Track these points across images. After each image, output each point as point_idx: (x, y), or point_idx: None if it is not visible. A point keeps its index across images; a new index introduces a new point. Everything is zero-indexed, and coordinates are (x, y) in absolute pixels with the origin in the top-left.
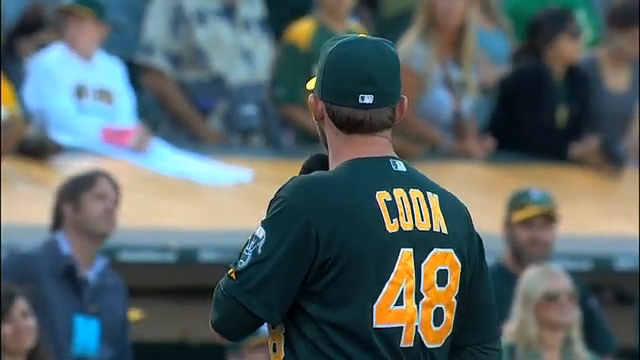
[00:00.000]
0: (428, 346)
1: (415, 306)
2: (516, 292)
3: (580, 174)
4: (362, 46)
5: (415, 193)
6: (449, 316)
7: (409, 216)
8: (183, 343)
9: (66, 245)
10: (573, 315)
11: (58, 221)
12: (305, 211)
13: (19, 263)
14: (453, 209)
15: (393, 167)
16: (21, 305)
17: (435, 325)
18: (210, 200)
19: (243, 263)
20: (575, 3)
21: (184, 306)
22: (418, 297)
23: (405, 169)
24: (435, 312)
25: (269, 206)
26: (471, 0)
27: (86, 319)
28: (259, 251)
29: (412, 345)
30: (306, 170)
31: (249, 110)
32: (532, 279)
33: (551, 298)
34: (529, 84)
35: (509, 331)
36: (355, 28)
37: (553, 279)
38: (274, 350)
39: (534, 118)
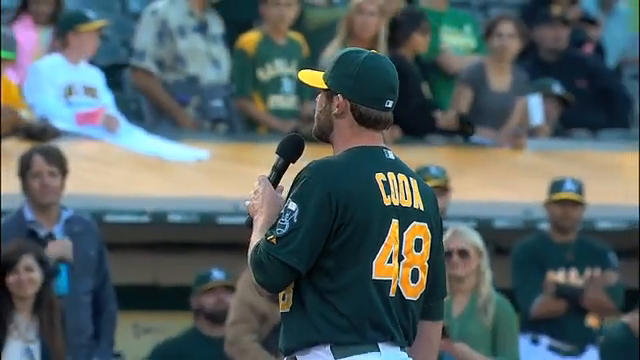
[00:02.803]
0: (407, 298)
1: (398, 265)
2: None
3: (467, 153)
4: (384, 61)
5: (402, 177)
6: (423, 276)
7: (397, 194)
8: (155, 286)
9: (29, 212)
10: (469, 268)
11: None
12: (325, 186)
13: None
14: (427, 193)
15: (385, 155)
16: (27, 261)
17: (412, 282)
18: (177, 174)
19: (282, 230)
20: (463, 19)
21: (156, 257)
22: (400, 258)
23: (394, 158)
24: (412, 271)
25: (294, 185)
26: (382, 16)
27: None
28: (295, 220)
29: (395, 296)
30: (281, 146)
31: (217, 104)
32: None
33: (446, 255)
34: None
35: None
36: (295, 37)
37: (450, 239)
38: (283, 299)
39: (408, 99)
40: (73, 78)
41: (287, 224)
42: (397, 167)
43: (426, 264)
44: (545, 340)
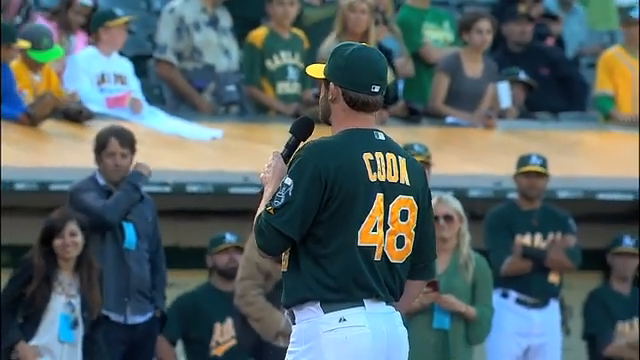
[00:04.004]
0: (392, 261)
1: (383, 233)
2: None
3: (446, 133)
4: (370, 52)
5: (390, 156)
6: (409, 242)
7: (384, 171)
8: (176, 247)
9: (101, 179)
10: (452, 230)
11: (98, 162)
12: (317, 163)
13: (81, 184)
14: (415, 169)
15: (376, 137)
16: (71, 226)
17: (398, 247)
18: (194, 150)
19: (279, 202)
20: (443, 16)
21: (177, 222)
22: (386, 227)
23: (384, 138)
24: (398, 238)
25: (292, 162)
26: (372, 13)
27: (127, 223)
28: (290, 194)
29: (380, 259)
30: (295, 127)
31: (231, 88)
32: None
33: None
34: None
35: None
36: (297, 32)
37: (436, 206)
38: (283, 260)
39: None
40: (106, 68)
41: (283, 197)
42: (387, 147)
43: (412, 231)
44: (513, 294)
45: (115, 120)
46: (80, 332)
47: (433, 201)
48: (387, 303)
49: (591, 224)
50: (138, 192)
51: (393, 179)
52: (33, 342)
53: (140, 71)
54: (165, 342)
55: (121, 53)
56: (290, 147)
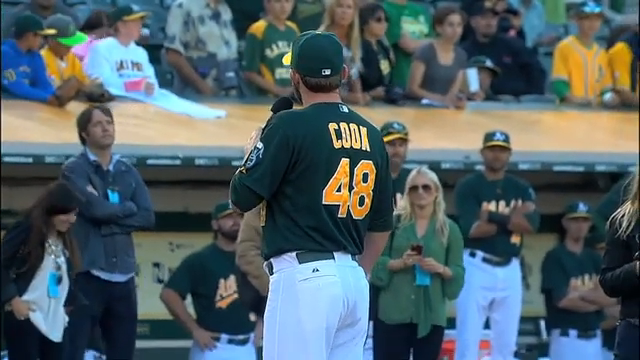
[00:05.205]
0: (354, 218)
1: (348, 193)
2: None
3: (422, 113)
4: (320, 39)
5: (353, 126)
6: (368, 201)
7: (348, 139)
8: (185, 212)
9: (91, 155)
10: (430, 198)
11: (83, 141)
12: (285, 130)
13: (73, 165)
14: (375, 137)
15: (340, 109)
16: (76, 209)
17: (359, 206)
18: (201, 128)
19: (250, 163)
20: (419, 10)
21: (186, 191)
22: (350, 188)
23: (347, 111)
24: (360, 198)
25: (265, 128)
26: (356, 8)
27: (112, 192)
28: (260, 155)
29: (345, 216)
30: (275, 105)
31: (230, 75)
32: (409, 177)
33: (412, 188)
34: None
35: (399, 207)
36: (291, 25)
37: (416, 177)
38: (261, 216)
39: (369, 74)
40: (124, 56)
41: (254, 159)
42: (350, 118)
43: (371, 192)
44: (480, 254)
45: (132, 102)
46: (65, 288)
47: (413, 172)
48: (352, 257)
49: (548, 192)
50: (129, 219)
51: (357, 145)
52: (25, 297)
53: (154, 58)
54: (176, 296)
55: (137, 43)
56: None
